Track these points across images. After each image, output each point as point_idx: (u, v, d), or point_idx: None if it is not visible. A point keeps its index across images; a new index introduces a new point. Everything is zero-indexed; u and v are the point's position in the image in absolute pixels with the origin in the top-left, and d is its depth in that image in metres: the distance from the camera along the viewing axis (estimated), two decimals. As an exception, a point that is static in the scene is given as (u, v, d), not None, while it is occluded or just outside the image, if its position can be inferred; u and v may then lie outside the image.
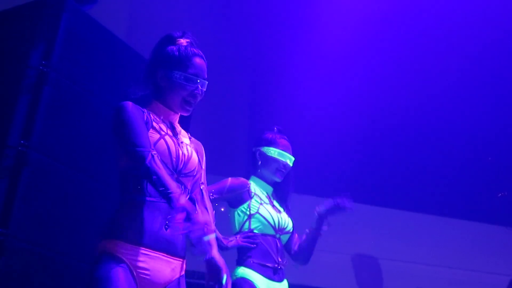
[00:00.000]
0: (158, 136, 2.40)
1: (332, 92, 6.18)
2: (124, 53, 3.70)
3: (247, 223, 3.25)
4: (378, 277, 6.60)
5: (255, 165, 3.44)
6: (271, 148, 3.40)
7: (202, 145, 2.66)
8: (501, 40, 5.85)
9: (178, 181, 2.40)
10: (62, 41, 3.24)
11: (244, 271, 3.17)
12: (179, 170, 2.43)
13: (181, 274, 2.42)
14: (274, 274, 3.22)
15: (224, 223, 3.28)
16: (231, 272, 3.13)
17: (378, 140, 6.42)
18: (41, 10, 3.35)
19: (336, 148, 6.37)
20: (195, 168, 2.50)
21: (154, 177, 2.22)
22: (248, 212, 3.25)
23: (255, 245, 3.21)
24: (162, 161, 2.35)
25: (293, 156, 3.46)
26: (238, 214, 3.28)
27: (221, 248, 3.11)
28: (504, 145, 6.38)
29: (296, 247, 3.47)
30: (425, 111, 6.36)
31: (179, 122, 2.59)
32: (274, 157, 3.39)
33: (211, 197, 3.04)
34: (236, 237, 3.20)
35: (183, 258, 2.42)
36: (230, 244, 3.17)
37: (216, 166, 3.40)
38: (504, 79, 6.09)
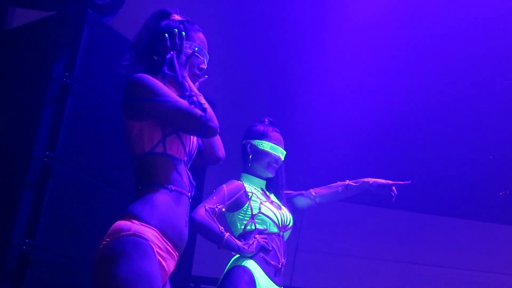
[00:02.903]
0: None
1: (339, 95, 6.17)
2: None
3: (251, 224, 3.09)
4: (383, 279, 6.57)
5: (245, 159, 3.25)
6: (263, 141, 3.22)
7: None
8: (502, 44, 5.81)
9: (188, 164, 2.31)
10: (84, 53, 3.27)
11: (246, 262, 2.99)
12: (192, 153, 2.34)
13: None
14: (275, 276, 3.07)
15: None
16: (232, 259, 3.02)
17: (382, 142, 6.39)
18: (63, 23, 3.39)
19: (344, 150, 6.36)
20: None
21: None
22: (250, 213, 3.10)
23: (271, 248, 3.06)
24: (183, 143, 2.24)
25: (285, 150, 3.31)
26: (239, 217, 3.12)
27: (244, 255, 2.98)
28: (506, 143, 6.34)
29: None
30: (429, 112, 6.33)
31: None
32: (266, 151, 3.20)
33: (216, 210, 3.00)
34: (255, 238, 3.03)
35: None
36: (252, 248, 2.99)
37: (233, 168, 3.33)
38: (507, 79, 6.05)
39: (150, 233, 2.03)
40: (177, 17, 2.42)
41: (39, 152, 3.07)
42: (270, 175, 3.25)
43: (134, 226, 2.02)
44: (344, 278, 6.44)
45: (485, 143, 6.38)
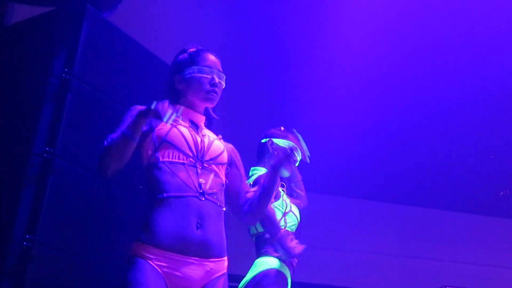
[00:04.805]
0: (169, 127, 2.42)
1: (338, 94, 6.18)
2: (145, 58, 3.72)
3: (282, 221, 3.15)
4: (383, 273, 6.58)
5: (263, 155, 3.38)
6: (285, 141, 3.37)
7: (236, 151, 2.64)
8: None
9: (204, 168, 2.41)
10: (84, 49, 3.27)
11: (279, 264, 3.06)
12: (201, 156, 2.42)
13: (221, 274, 2.36)
14: (292, 274, 3.16)
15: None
16: (261, 261, 3.07)
17: (383, 137, 6.40)
18: (62, 19, 3.39)
19: (342, 146, 6.37)
20: (219, 155, 2.48)
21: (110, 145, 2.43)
22: (283, 210, 3.18)
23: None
24: (177, 147, 2.39)
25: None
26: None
27: (288, 256, 3.05)
28: (506, 142, 6.36)
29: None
30: (429, 109, 6.34)
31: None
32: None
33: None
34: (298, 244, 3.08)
35: (222, 257, 2.38)
36: (295, 252, 3.05)
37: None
38: (506, 79, 6.07)
39: (146, 251, 2.28)
40: (192, 49, 2.62)
41: (39, 147, 3.07)
42: (287, 174, 3.33)
43: (135, 247, 2.32)
44: (344, 273, 6.44)
45: (486, 141, 6.39)
